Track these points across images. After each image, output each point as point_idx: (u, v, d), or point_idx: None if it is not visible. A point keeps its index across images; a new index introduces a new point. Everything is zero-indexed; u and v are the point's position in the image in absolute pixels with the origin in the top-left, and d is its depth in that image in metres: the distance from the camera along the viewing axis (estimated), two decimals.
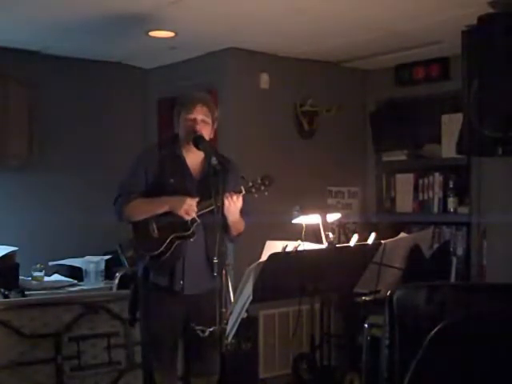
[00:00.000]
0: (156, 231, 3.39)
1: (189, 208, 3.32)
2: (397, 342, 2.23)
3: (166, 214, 3.39)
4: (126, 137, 5.61)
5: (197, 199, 3.34)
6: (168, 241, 3.35)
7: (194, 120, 3.44)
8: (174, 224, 3.36)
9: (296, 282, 3.37)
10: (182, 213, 3.32)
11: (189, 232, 3.36)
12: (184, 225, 3.35)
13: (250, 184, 3.30)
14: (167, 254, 3.37)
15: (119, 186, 3.53)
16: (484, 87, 3.86)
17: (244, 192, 3.30)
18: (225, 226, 3.42)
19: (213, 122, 3.52)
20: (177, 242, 3.37)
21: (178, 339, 3.53)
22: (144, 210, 3.42)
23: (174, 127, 3.57)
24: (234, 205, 3.31)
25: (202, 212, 3.33)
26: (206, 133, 3.47)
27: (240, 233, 3.54)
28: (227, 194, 3.25)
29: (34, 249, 4.84)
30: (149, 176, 3.47)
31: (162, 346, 3.45)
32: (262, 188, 3.30)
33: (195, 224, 3.35)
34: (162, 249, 3.35)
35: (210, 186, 3.22)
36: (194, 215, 3.33)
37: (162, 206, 3.39)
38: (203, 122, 3.46)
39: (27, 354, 4.04)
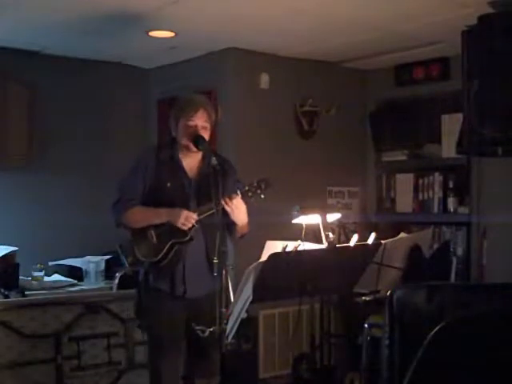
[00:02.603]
0: (155, 238, 3.38)
1: (185, 221, 3.31)
2: (397, 342, 2.23)
3: None
4: (125, 137, 5.61)
5: (195, 214, 3.32)
6: (167, 247, 3.35)
7: (195, 127, 3.41)
8: (172, 230, 3.35)
9: (296, 282, 3.36)
10: (179, 225, 3.31)
11: (187, 238, 3.35)
12: (182, 230, 3.34)
13: (246, 188, 3.29)
14: (166, 260, 3.37)
15: (118, 190, 3.51)
16: (484, 87, 3.86)
17: (240, 196, 3.29)
18: (231, 228, 3.43)
19: (211, 126, 3.51)
20: (176, 247, 3.37)
21: (181, 341, 3.53)
22: (141, 219, 3.41)
23: (170, 130, 3.54)
24: (237, 208, 3.29)
25: (205, 216, 3.32)
26: (206, 137, 3.45)
27: (244, 234, 3.52)
28: (227, 200, 3.24)
29: (34, 249, 4.84)
30: (147, 179, 3.46)
31: (165, 348, 3.44)
32: (258, 191, 3.28)
33: (194, 229, 3.35)
34: (161, 255, 3.35)
35: (207, 189, 3.22)
36: (190, 226, 3.32)
37: (159, 216, 3.38)
38: (204, 128, 3.44)
39: (27, 354, 4.04)
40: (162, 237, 3.36)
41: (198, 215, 3.32)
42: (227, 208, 3.25)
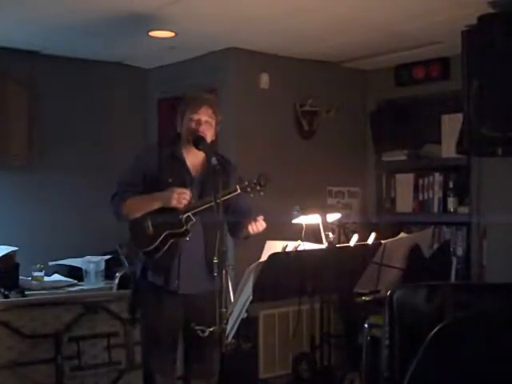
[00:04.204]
0: (151, 228, 3.37)
1: (179, 196, 3.30)
2: (397, 342, 2.23)
3: (161, 211, 3.37)
4: (126, 137, 5.60)
5: (188, 190, 3.34)
6: (162, 237, 3.34)
7: (199, 121, 3.44)
8: (168, 221, 3.35)
9: (296, 282, 3.37)
10: (174, 203, 3.31)
11: (182, 229, 3.34)
12: (179, 223, 3.34)
13: (246, 183, 3.28)
14: (161, 252, 3.36)
15: (117, 185, 3.53)
16: (484, 87, 3.86)
17: (239, 191, 3.28)
18: (237, 230, 3.47)
19: (216, 124, 3.52)
20: (172, 240, 3.36)
21: (177, 339, 3.53)
22: (138, 207, 3.42)
23: (176, 126, 3.56)
24: (260, 228, 3.40)
25: (201, 209, 3.31)
26: (209, 134, 3.47)
27: (249, 236, 3.52)
28: (253, 225, 3.37)
29: (34, 249, 4.84)
30: (147, 175, 3.47)
31: (160, 346, 3.44)
32: (258, 188, 3.27)
33: (190, 223, 3.34)
34: (155, 245, 3.34)
35: (209, 186, 3.21)
36: (186, 203, 3.31)
37: (154, 201, 3.38)
38: (207, 123, 3.46)
39: (27, 354, 4.04)
40: (158, 227, 3.36)
41: (193, 208, 3.32)
42: (251, 230, 3.38)
